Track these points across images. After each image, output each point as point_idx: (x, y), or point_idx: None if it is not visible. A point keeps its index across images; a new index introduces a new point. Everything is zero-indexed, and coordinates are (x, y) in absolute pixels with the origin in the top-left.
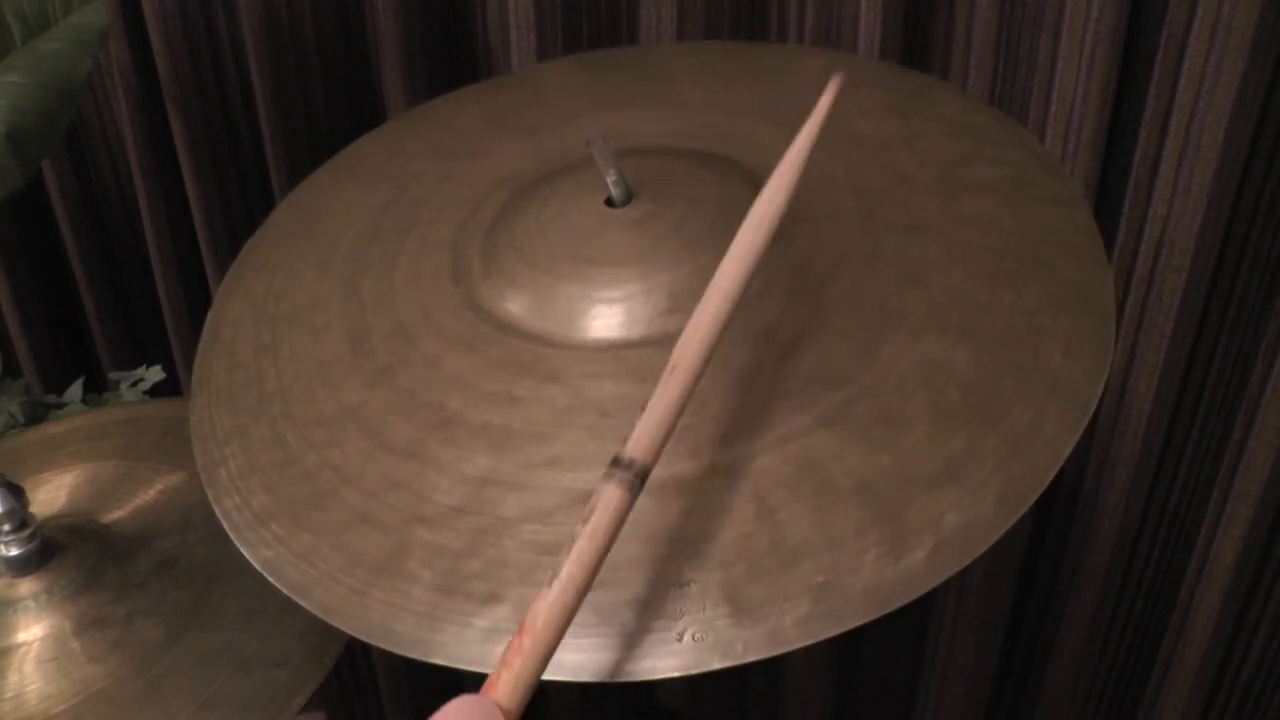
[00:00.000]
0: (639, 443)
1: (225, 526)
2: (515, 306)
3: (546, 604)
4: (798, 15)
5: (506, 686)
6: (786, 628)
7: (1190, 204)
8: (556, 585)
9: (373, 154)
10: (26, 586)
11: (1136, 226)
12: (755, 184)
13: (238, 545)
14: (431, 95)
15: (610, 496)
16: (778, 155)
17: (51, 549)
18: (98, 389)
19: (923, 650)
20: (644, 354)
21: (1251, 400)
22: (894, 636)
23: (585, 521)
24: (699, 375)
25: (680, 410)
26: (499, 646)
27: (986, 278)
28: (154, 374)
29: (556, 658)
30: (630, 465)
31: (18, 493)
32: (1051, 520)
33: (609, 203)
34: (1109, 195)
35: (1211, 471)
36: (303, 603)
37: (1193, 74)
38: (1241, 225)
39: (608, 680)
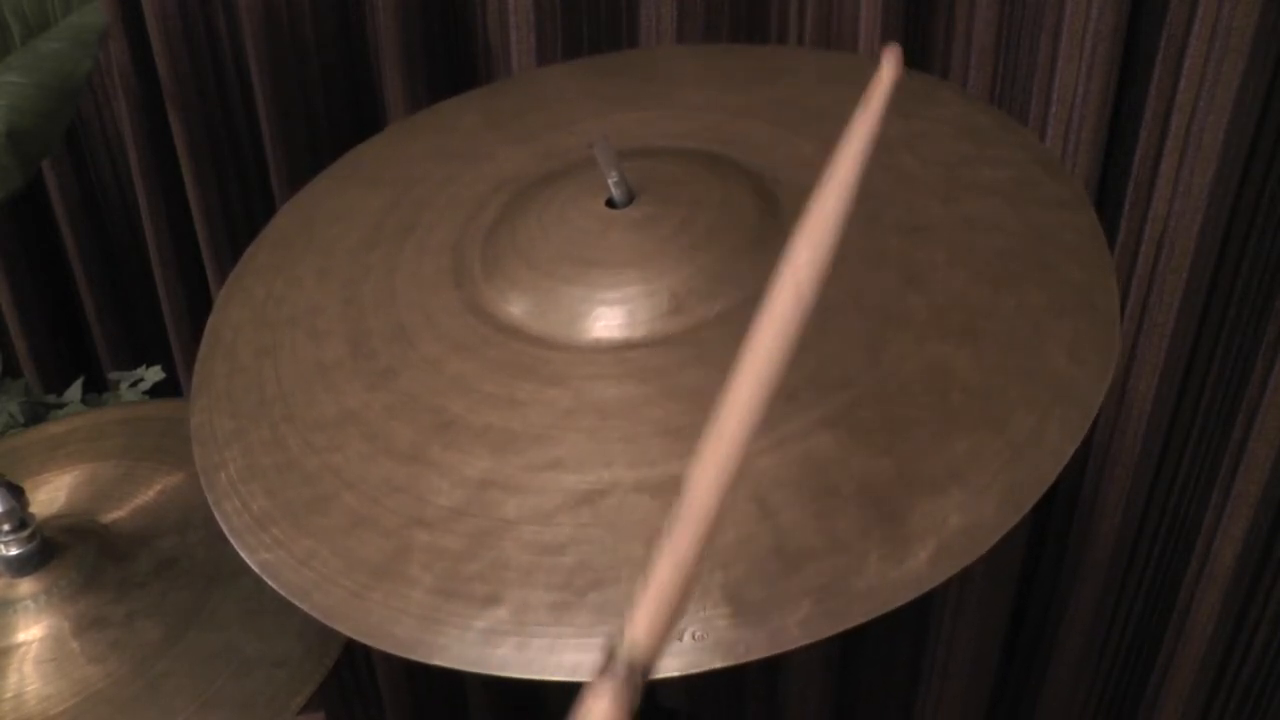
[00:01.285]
0: (639, 630)
1: (225, 530)
2: (517, 309)
3: None
4: (798, 15)
5: None
6: (788, 627)
7: (1190, 204)
8: None
9: (373, 159)
10: (26, 586)
11: (1136, 226)
12: (756, 185)
13: (238, 549)
14: (432, 96)
15: (599, 701)
16: (778, 155)
17: (51, 549)
18: (98, 389)
19: (924, 647)
20: (646, 355)
21: (1251, 400)
22: (895, 633)
23: None
24: (710, 537)
25: (692, 580)
26: (499, 648)
27: (989, 280)
28: (154, 374)
29: (556, 658)
30: (625, 664)
31: (18, 493)
32: (1052, 520)
33: (610, 204)
34: (1109, 195)
35: (1211, 471)
36: (302, 606)
37: (1193, 74)
38: (1241, 225)
39: None
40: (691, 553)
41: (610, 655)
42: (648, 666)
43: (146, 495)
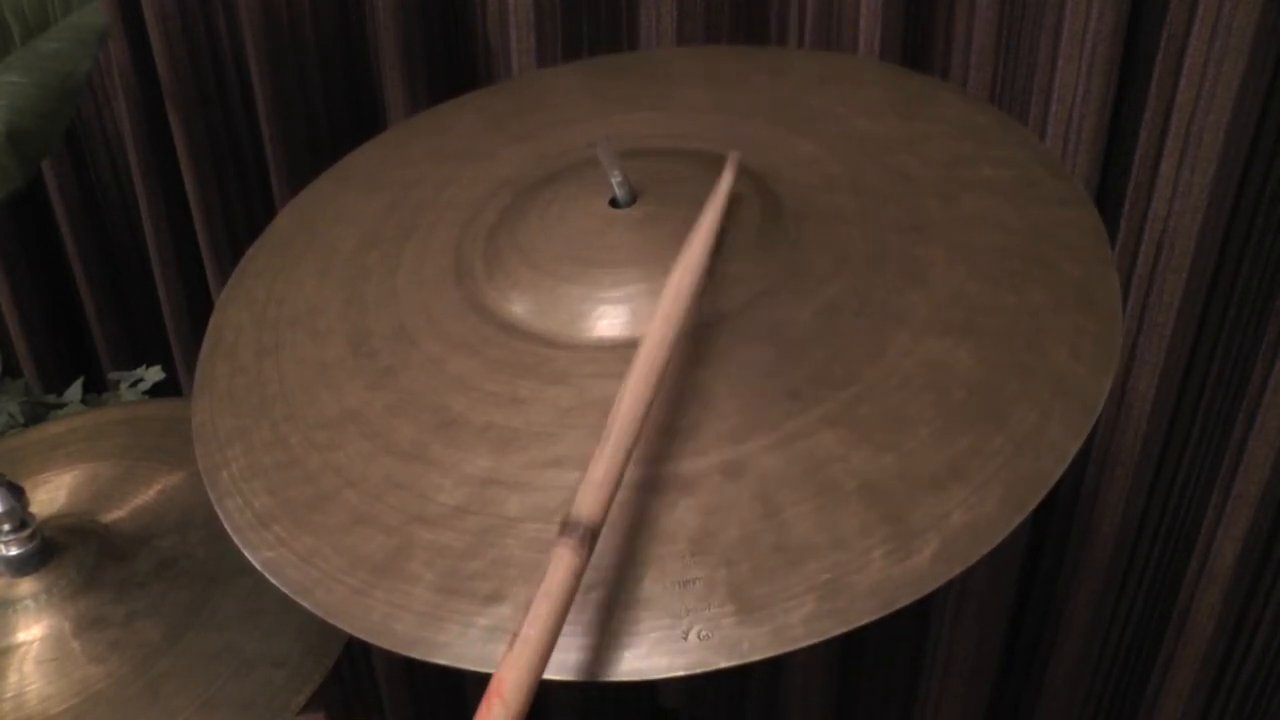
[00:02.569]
0: (583, 505)
1: (227, 528)
2: (519, 308)
3: (513, 667)
4: (798, 16)
5: None
6: (792, 626)
7: (1190, 204)
8: (519, 646)
9: (373, 161)
10: (26, 586)
11: (1136, 226)
12: (756, 184)
13: (240, 547)
14: (431, 95)
15: (561, 559)
16: (778, 156)
17: (51, 549)
18: (98, 389)
19: (924, 647)
20: None
21: (1251, 400)
22: (895, 633)
23: (540, 584)
24: (636, 437)
25: (622, 469)
26: (501, 646)
27: (990, 278)
28: (154, 374)
29: (560, 657)
30: (577, 527)
31: (18, 493)
32: (1052, 520)
33: (612, 204)
34: (1109, 195)
35: (1211, 471)
36: (304, 603)
37: (1193, 74)
38: (1241, 225)
39: (612, 680)
40: (622, 447)
41: (565, 524)
42: (595, 531)
43: (146, 495)
